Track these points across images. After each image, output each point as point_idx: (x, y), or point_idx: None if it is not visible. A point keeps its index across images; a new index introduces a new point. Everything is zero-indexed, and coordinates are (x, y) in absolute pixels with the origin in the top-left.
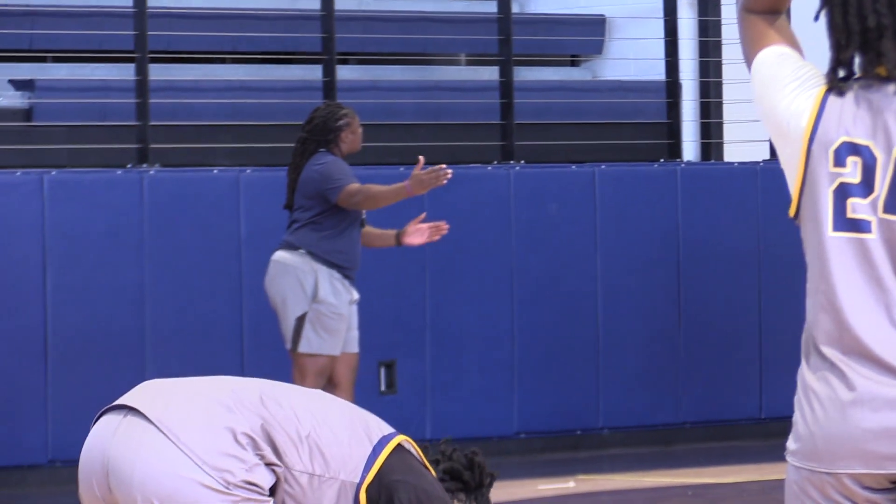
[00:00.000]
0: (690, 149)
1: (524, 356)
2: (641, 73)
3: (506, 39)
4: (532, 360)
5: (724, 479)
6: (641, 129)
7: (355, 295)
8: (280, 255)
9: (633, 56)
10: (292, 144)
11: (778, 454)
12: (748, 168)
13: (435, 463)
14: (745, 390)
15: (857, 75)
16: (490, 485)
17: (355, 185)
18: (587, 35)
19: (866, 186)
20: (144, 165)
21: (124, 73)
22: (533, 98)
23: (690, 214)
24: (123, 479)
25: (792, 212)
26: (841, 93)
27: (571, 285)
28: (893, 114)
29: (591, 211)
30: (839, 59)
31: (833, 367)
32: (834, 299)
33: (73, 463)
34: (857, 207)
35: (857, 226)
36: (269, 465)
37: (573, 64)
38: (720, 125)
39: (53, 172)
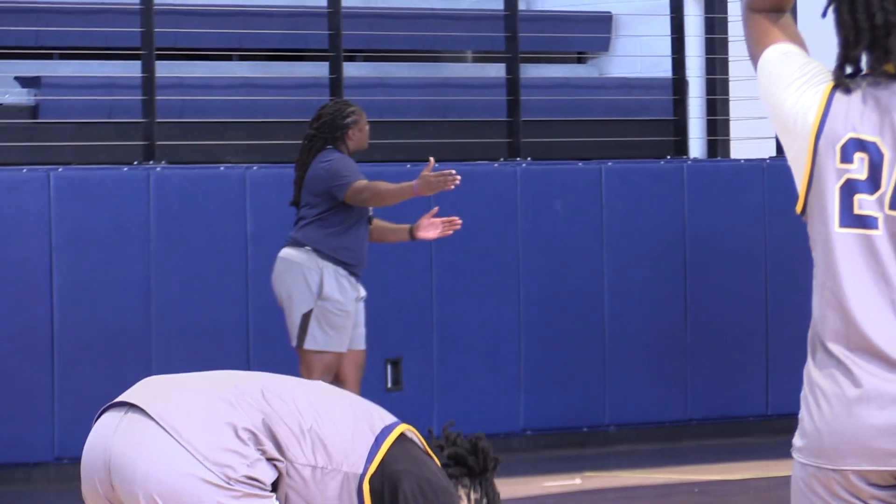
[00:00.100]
0: (697, 146)
1: (530, 353)
2: (648, 71)
3: (512, 36)
4: (538, 356)
5: (730, 475)
6: (648, 126)
7: (362, 292)
8: (286, 251)
9: (639, 53)
10: (299, 141)
11: (784, 451)
12: (754, 165)
13: (439, 449)
14: (751, 387)
15: (865, 72)
16: (494, 469)
17: (362, 183)
18: (594, 32)
19: (873, 183)
20: (151, 162)
21: (131, 70)
22: (539, 95)
23: (697, 211)
24: (125, 476)
25: (799, 208)
26: (848, 90)
27: (578, 282)
28: None
29: (598, 208)
30: (847, 56)
31: (839, 363)
32: (840, 296)
33: (80, 460)
34: (864, 204)
35: (864, 222)
36: (270, 460)
37: (580, 61)
38: (726, 122)
39: (60, 169)
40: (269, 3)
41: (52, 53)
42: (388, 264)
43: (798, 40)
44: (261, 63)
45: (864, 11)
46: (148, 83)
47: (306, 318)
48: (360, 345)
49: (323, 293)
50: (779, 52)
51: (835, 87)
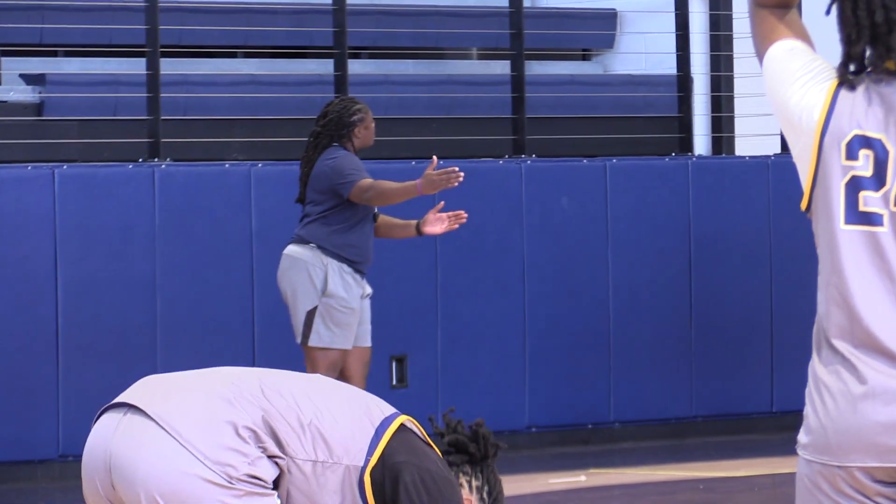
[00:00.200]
0: (702, 143)
1: (535, 350)
2: (653, 67)
3: (517, 33)
4: (543, 353)
5: (735, 472)
6: (653, 123)
7: (368, 289)
8: (291, 249)
9: (644, 50)
10: (304, 138)
11: (789, 448)
12: (759, 162)
13: (439, 436)
14: (756, 384)
15: (868, 69)
16: (495, 456)
17: (367, 181)
18: (598, 29)
19: (878, 180)
20: (156, 160)
21: (135, 67)
22: (544, 92)
23: (702, 208)
24: (126, 477)
25: (804, 205)
26: (852, 87)
27: (583, 279)
28: None
29: (603, 205)
30: (850, 53)
31: (844, 360)
32: (845, 292)
33: None
34: (869, 200)
35: (869, 219)
36: (272, 457)
37: (584, 58)
38: (731, 119)
39: (65, 167)
40: (274, 0)
41: (56, 51)
42: (394, 261)
43: (804, 37)
44: (266, 60)
45: (864, 9)
46: (153, 80)
47: (311, 314)
48: (366, 342)
49: (327, 290)
50: (784, 49)
51: (840, 85)
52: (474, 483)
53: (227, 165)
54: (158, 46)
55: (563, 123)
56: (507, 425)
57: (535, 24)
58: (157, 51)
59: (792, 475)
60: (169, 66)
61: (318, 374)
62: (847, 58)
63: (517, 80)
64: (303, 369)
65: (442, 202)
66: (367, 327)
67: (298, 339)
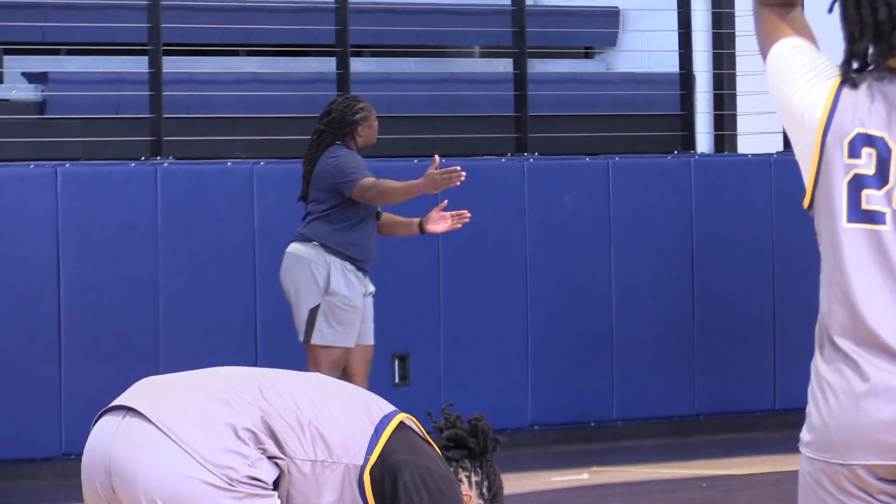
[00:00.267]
0: (704, 141)
1: (538, 348)
2: (655, 65)
3: (520, 31)
4: (546, 351)
5: (738, 470)
6: (655, 120)
7: (370, 287)
8: (294, 247)
9: (646, 48)
10: (306, 137)
11: (792, 445)
12: (762, 160)
13: (438, 431)
14: (759, 381)
15: (871, 67)
16: (495, 450)
17: (370, 180)
18: (601, 27)
19: (881, 178)
20: (158, 158)
21: (138, 65)
22: (547, 90)
23: (704, 206)
24: (126, 480)
25: (806, 203)
26: (855, 85)
27: (585, 277)
28: None
29: (605, 203)
30: (853, 51)
31: (847, 358)
32: (847, 290)
33: None
34: (872, 199)
35: (872, 217)
36: (271, 458)
37: (587, 56)
38: (734, 117)
39: (67, 165)
40: None
41: (59, 49)
42: (396, 259)
43: (808, 35)
44: (268, 58)
45: (868, 6)
46: (155, 79)
47: (313, 312)
48: (369, 340)
49: (330, 288)
50: (788, 47)
51: (842, 83)
52: (473, 478)
53: (229, 164)
54: (161, 45)
55: (565, 121)
56: (509, 423)
57: (537, 21)
58: (160, 49)
59: (795, 473)
60: (171, 65)
61: (317, 373)
62: (850, 55)
63: (519, 78)
64: (305, 367)
65: (445, 201)
66: (370, 325)
67: (301, 338)
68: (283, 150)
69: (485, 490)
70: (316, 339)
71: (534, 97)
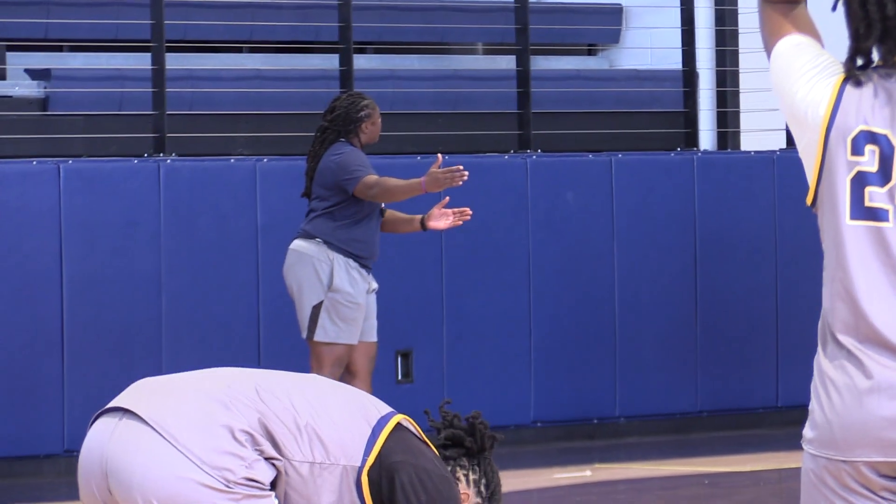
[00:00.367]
0: (707, 138)
1: (541, 345)
2: (658, 62)
3: (523, 28)
4: (549, 348)
5: (740, 467)
6: (658, 118)
7: (374, 284)
8: (297, 243)
9: (649, 45)
10: (309, 133)
11: (795, 442)
12: (765, 157)
13: (436, 431)
14: (761, 379)
15: (876, 64)
16: (492, 448)
17: (373, 178)
18: (604, 24)
19: (884, 175)
20: (161, 155)
21: (141, 62)
22: (550, 87)
23: (707, 203)
24: (123, 482)
25: (809, 200)
26: (859, 82)
27: (588, 274)
28: None
29: (608, 200)
30: (858, 48)
31: (850, 355)
32: (850, 287)
33: None
34: (875, 196)
35: (875, 214)
36: (268, 459)
37: (590, 53)
38: (737, 114)
39: (70, 162)
40: None
41: (62, 46)
42: (399, 256)
43: (812, 32)
44: (271, 55)
45: (875, 3)
46: (158, 75)
47: (316, 309)
48: (372, 337)
49: (333, 285)
50: (791, 44)
51: (846, 80)
52: (472, 476)
53: (232, 160)
54: (164, 41)
55: (568, 118)
56: (512, 420)
57: (540, 19)
58: (163, 46)
59: (797, 470)
60: (174, 61)
61: (314, 375)
62: (854, 52)
63: (522, 75)
64: (308, 364)
65: (447, 198)
66: (373, 322)
67: (304, 334)
68: (286, 146)
69: (483, 488)
70: (319, 336)
71: (537, 94)
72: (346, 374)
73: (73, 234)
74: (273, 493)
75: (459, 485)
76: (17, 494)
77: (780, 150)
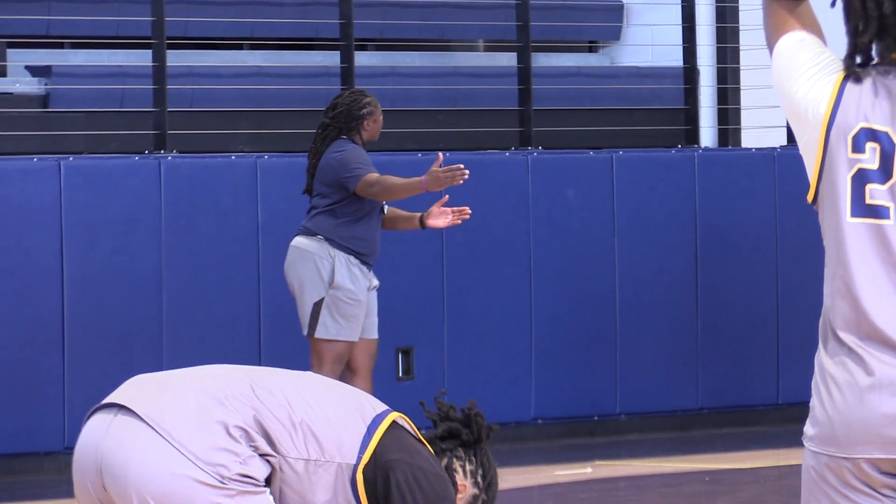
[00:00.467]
0: (708, 135)
1: (542, 342)
2: (659, 59)
3: (524, 25)
4: (549, 345)
5: (741, 464)
6: (659, 115)
7: (375, 281)
8: (298, 240)
9: (650, 42)
10: (310, 130)
11: (795, 439)
12: (765, 154)
13: (432, 422)
14: (762, 376)
15: (875, 61)
16: (488, 438)
17: (374, 176)
18: (605, 21)
19: (884, 172)
20: (162, 151)
21: (141, 59)
22: (551, 84)
23: (708, 200)
24: (118, 479)
25: (810, 197)
26: (859, 79)
27: (589, 271)
28: None
29: (609, 197)
30: (857, 44)
31: (851, 352)
32: (851, 285)
33: None
34: (876, 193)
35: (876, 212)
36: (263, 455)
37: (591, 50)
38: (738, 111)
39: (70, 158)
40: None
41: (62, 42)
42: (400, 253)
43: (816, 29)
44: (272, 52)
45: (873, 0)
46: (159, 72)
47: (317, 306)
48: (373, 334)
49: (334, 282)
50: (793, 41)
51: (846, 77)
52: (468, 467)
53: (233, 157)
54: (164, 38)
55: (569, 115)
56: (513, 417)
57: (541, 15)
58: (164, 42)
59: (798, 467)
60: (175, 58)
61: (310, 373)
62: (853, 49)
63: (523, 72)
64: (309, 361)
65: (447, 196)
66: (374, 319)
67: (305, 331)
68: (287, 143)
69: (479, 479)
70: (320, 333)
71: (537, 91)
72: (347, 371)
73: (74, 231)
74: (268, 490)
75: (456, 476)
76: (18, 491)
77: (781, 147)
